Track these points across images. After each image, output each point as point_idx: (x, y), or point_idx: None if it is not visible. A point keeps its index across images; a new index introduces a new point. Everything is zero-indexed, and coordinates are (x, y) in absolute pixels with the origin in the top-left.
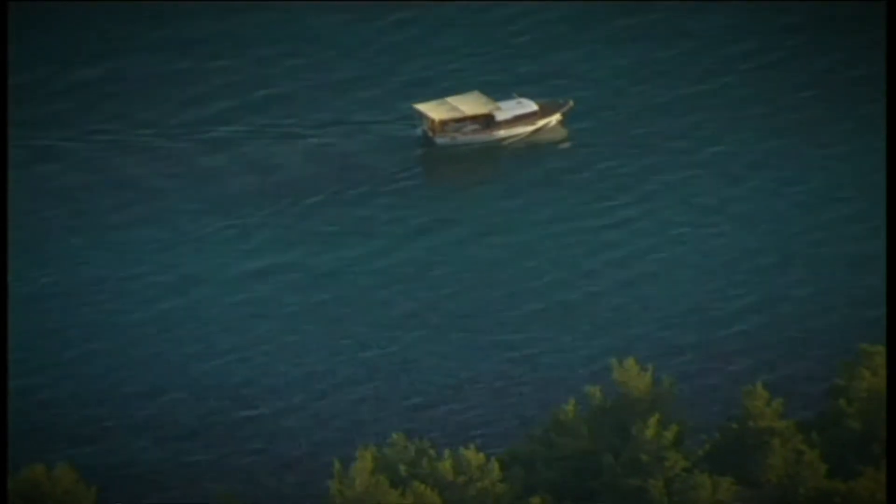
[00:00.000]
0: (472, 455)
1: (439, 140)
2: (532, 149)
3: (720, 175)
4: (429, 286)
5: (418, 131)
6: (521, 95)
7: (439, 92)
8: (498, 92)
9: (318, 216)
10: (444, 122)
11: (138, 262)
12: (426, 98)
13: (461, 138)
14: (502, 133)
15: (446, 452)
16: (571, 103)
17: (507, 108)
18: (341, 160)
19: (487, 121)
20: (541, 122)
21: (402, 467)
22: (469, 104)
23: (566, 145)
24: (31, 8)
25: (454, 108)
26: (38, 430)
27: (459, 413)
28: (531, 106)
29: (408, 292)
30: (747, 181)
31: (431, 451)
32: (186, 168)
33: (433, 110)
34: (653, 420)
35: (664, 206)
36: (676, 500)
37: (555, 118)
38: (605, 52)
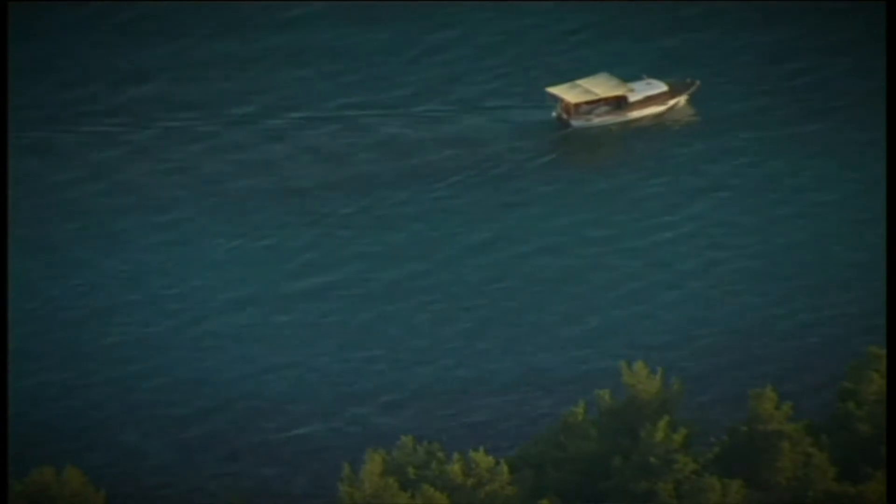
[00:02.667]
0: (481, 457)
1: (574, 122)
2: (663, 129)
3: (744, 187)
4: (466, 288)
5: (553, 114)
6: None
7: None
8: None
9: (451, 199)
10: (578, 105)
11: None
12: (555, 82)
13: (595, 120)
14: (635, 114)
15: (455, 455)
16: (698, 83)
17: (639, 89)
18: (476, 145)
19: (619, 102)
20: (671, 102)
21: (411, 470)
22: (601, 86)
23: (697, 126)
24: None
25: (587, 91)
26: (47, 432)
27: (468, 415)
28: (661, 86)
29: (436, 291)
30: (764, 191)
31: (441, 454)
32: (313, 148)
33: (567, 93)
34: (662, 423)
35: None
36: (686, 503)
37: (683, 98)
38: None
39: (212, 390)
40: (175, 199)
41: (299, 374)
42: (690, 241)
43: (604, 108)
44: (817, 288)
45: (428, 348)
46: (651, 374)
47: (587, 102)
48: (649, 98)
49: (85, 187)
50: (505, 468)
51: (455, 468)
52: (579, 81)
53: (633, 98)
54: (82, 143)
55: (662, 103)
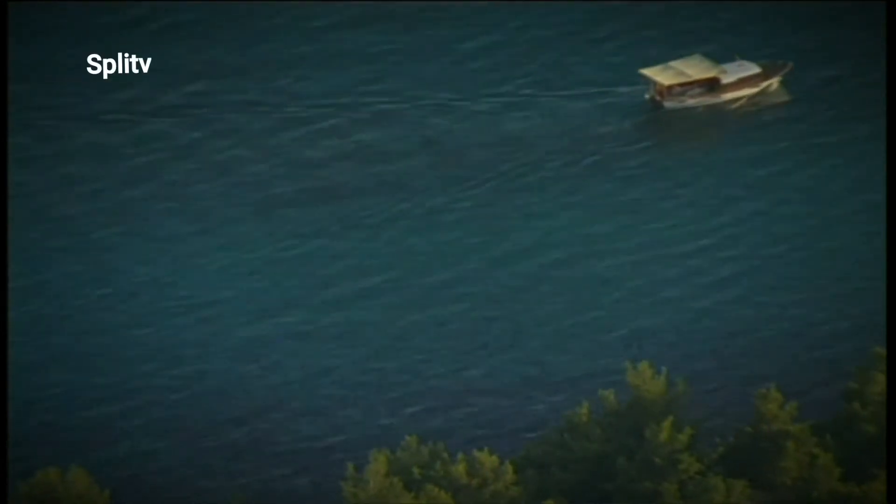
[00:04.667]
0: (485, 458)
1: (668, 104)
2: (757, 112)
3: (757, 192)
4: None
5: (646, 96)
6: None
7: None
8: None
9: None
10: (671, 87)
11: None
12: (648, 64)
13: (689, 102)
14: (728, 96)
15: (460, 455)
16: (790, 65)
17: (731, 71)
18: (571, 127)
19: (712, 84)
20: (764, 84)
21: (415, 470)
22: (694, 68)
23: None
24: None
25: (680, 73)
26: (51, 432)
27: (473, 415)
28: (754, 68)
29: (449, 289)
30: (776, 195)
31: (445, 454)
32: (412, 132)
33: (660, 75)
34: (666, 423)
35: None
36: (690, 503)
37: (776, 80)
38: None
39: (217, 392)
40: (208, 203)
41: (302, 375)
42: (701, 244)
43: (697, 90)
44: (824, 289)
45: (428, 349)
46: (656, 374)
47: (680, 84)
48: (742, 80)
49: (116, 191)
50: (509, 468)
51: (459, 468)
52: (672, 63)
53: (725, 80)
54: (117, 144)
55: (755, 85)
